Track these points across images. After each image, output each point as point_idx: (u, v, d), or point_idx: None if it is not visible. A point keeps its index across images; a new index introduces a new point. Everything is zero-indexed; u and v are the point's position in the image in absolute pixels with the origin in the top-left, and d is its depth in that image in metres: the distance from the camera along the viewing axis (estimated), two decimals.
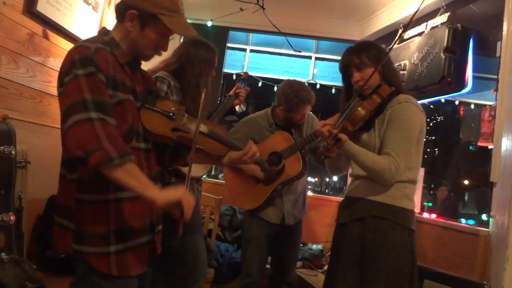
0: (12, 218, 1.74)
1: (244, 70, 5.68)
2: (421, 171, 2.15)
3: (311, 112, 2.75)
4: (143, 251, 1.38)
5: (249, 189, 2.56)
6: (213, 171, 5.12)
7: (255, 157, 1.59)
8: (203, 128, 1.48)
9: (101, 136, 1.18)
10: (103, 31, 1.40)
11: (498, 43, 2.32)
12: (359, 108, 1.73)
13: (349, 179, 3.99)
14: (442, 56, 2.65)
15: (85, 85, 1.22)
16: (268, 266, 2.95)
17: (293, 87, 2.52)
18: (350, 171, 1.96)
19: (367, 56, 1.80)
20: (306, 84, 2.69)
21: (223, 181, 3.84)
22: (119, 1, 1.39)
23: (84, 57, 1.25)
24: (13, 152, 1.76)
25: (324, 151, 1.75)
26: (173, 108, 1.47)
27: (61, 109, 1.24)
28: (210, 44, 2.19)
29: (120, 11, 1.36)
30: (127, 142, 1.30)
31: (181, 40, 3.77)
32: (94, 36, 1.40)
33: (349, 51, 1.86)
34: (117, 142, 1.21)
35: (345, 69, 1.87)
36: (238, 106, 2.57)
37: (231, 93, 2.55)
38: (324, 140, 1.72)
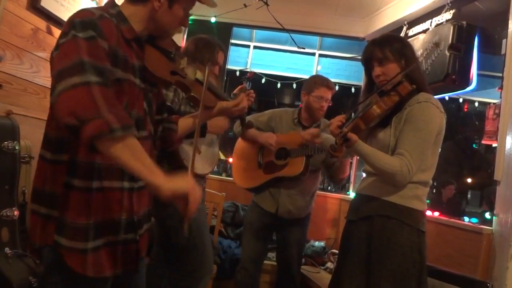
0: (16, 213, 1.74)
1: (248, 67, 5.67)
2: None
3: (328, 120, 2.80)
4: (118, 250, 1.23)
5: (249, 169, 2.70)
6: (216, 167, 5.11)
7: (243, 111, 1.62)
8: (199, 75, 1.43)
9: (100, 102, 1.01)
10: (111, 4, 1.29)
11: (503, 40, 2.30)
12: (374, 107, 1.67)
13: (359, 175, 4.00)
14: (447, 53, 2.64)
15: (84, 47, 1.07)
16: (273, 263, 2.98)
17: (316, 75, 2.84)
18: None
19: (390, 50, 1.73)
20: None
21: (226, 178, 3.88)
22: None
23: (87, 20, 1.12)
24: (17, 148, 1.76)
25: (331, 150, 1.73)
26: (173, 48, 1.39)
27: (52, 73, 1.07)
28: (212, 41, 2.19)
29: None
30: None
31: (185, 36, 3.78)
32: (100, 6, 1.32)
33: (372, 44, 1.80)
34: (118, 111, 1.04)
35: (367, 62, 1.80)
36: None
37: (235, 91, 2.56)
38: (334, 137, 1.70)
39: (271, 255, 3.42)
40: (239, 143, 2.82)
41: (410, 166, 1.62)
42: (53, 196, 1.16)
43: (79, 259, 1.14)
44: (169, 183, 1.06)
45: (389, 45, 1.75)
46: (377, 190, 1.74)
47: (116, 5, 1.29)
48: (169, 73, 1.34)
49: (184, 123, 1.54)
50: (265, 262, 3.25)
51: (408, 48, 1.79)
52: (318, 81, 2.65)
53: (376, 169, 1.69)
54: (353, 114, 1.77)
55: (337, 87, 5.90)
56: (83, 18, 1.13)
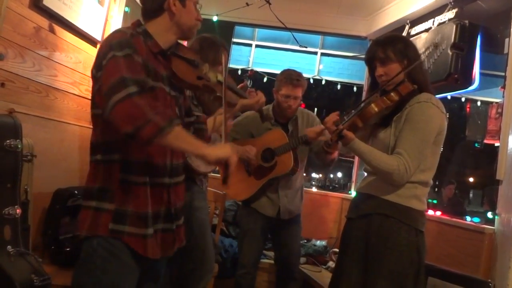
0: (18, 211, 1.74)
1: (250, 65, 5.67)
2: None
3: (308, 110, 2.77)
4: (158, 237, 1.42)
5: (240, 180, 2.64)
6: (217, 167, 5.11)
7: (262, 105, 1.79)
8: (220, 77, 1.59)
9: (145, 109, 1.22)
10: (137, 23, 1.48)
11: (506, 39, 2.30)
12: (372, 105, 1.67)
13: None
14: (449, 52, 2.63)
15: (123, 64, 1.28)
16: (272, 261, 2.98)
17: (285, 70, 2.63)
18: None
19: (392, 50, 1.73)
20: (311, 80, 2.71)
21: None
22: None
23: (122, 40, 1.33)
24: (19, 146, 1.76)
25: (325, 146, 1.73)
26: (194, 57, 1.56)
27: (103, 91, 1.27)
28: (216, 41, 2.19)
29: (156, 4, 1.44)
30: None
31: None
32: (128, 26, 1.48)
33: (375, 44, 1.80)
34: (160, 111, 1.27)
35: (370, 62, 1.80)
36: None
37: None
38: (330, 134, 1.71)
39: (270, 253, 3.43)
40: None
41: (408, 165, 1.62)
42: (103, 190, 1.35)
43: (141, 242, 1.34)
44: (212, 152, 1.31)
45: (391, 45, 1.75)
46: (376, 189, 1.74)
47: (142, 24, 1.47)
48: (196, 79, 1.51)
49: (211, 123, 1.74)
50: (264, 261, 3.27)
51: (411, 48, 1.79)
52: (283, 78, 2.55)
53: (373, 168, 1.70)
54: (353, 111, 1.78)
55: (339, 86, 5.93)
56: (119, 39, 1.33)
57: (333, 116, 1.70)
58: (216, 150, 1.31)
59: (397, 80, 1.73)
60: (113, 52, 1.29)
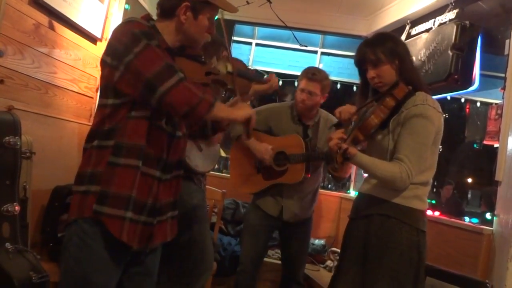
0: (17, 208, 1.74)
1: (250, 64, 5.66)
2: None
3: (329, 114, 2.64)
4: (138, 228, 1.40)
5: (248, 175, 2.62)
6: (216, 165, 5.12)
7: (276, 89, 1.79)
8: (230, 67, 1.58)
9: (195, 90, 1.34)
10: (147, 18, 1.48)
11: (507, 41, 2.30)
12: (372, 116, 1.67)
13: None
14: (450, 53, 2.63)
15: (160, 53, 1.34)
16: (279, 261, 2.98)
17: (307, 67, 2.61)
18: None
19: (382, 51, 1.71)
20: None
21: (227, 175, 3.88)
22: None
23: (147, 31, 1.36)
24: (18, 143, 1.76)
25: (331, 170, 1.71)
26: (201, 52, 1.55)
27: (144, 76, 1.30)
28: (216, 39, 2.18)
29: (169, 7, 1.43)
30: (157, 119, 1.40)
31: None
32: (139, 18, 1.46)
33: (364, 45, 1.77)
34: (203, 90, 1.38)
35: (360, 63, 1.78)
36: None
37: None
38: (334, 154, 1.67)
39: (272, 252, 3.42)
40: (236, 146, 2.72)
41: (410, 171, 1.62)
42: (93, 174, 1.36)
43: (118, 225, 1.34)
44: (239, 113, 1.43)
45: (381, 45, 1.73)
46: (378, 190, 1.74)
47: (151, 19, 1.47)
48: (204, 75, 1.51)
49: None
50: (268, 260, 3.26)
51: (401, 46, 1.78)
52: (303, 72, 2.54)
53: (377, 178, 1.70)
54: (353, 122, 1.76)
55: (338, 85, 5.92)
56: (142, 29, 1.35)
57: (337, 135, 1.68)
58: (240, 111, 1.43)
59: (391, 80, 1.72)
60: (145, 41, 1.31)
